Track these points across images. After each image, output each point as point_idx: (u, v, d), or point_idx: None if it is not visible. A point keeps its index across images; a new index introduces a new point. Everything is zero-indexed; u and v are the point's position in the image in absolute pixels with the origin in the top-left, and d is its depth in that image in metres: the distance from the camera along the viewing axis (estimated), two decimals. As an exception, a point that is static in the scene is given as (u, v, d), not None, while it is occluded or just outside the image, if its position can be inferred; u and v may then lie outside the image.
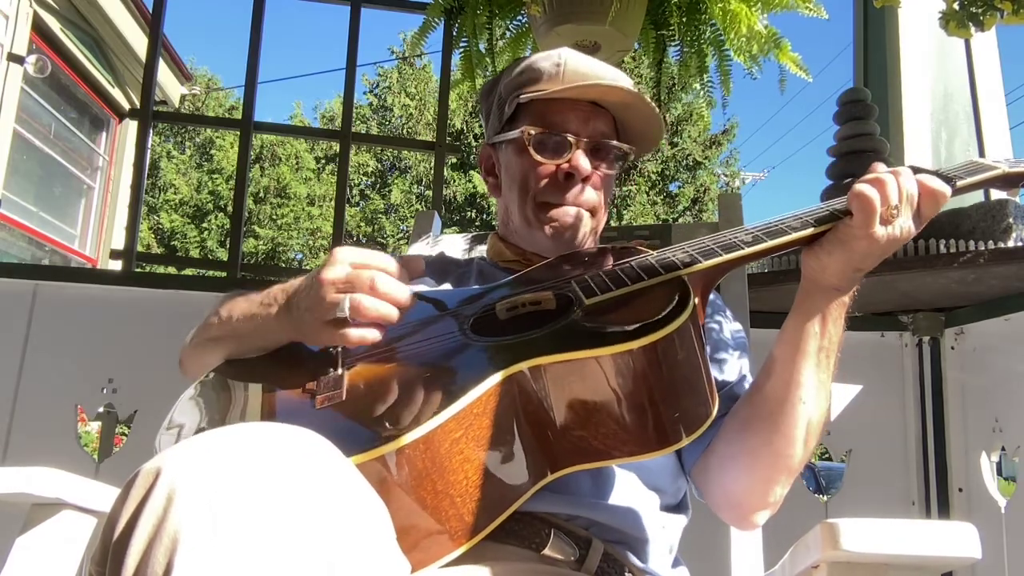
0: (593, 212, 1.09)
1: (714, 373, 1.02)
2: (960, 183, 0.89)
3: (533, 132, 1.06)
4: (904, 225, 0.82)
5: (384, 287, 0.79)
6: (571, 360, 0.75)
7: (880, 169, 0.84)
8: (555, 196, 1.06)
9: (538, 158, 1.06)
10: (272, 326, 0.87)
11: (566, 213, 1.06)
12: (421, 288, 1.10)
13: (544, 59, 1.10)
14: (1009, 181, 0.94)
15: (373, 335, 0.80)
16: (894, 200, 0.81)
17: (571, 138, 1.05)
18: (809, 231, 0.85)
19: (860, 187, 0.81)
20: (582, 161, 1.05)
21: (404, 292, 0.81)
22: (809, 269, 0.86)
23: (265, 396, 0.84)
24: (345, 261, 0.81)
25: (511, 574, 0.81)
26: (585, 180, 1.06)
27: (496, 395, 0.73)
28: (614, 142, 1.08)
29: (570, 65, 1.08)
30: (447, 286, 1.11)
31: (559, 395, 0.75)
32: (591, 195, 1.07)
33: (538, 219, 1.07)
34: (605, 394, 0.75)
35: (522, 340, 0.80)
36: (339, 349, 0.83)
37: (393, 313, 0.80)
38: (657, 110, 1.08)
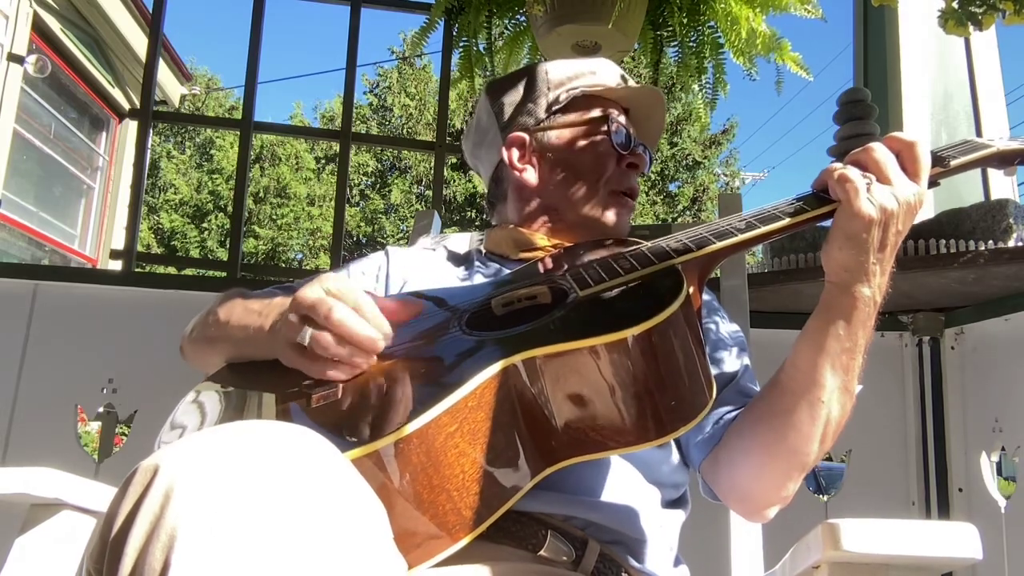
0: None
1: (715, 370, 1.02)
2: (954, 163, 0.88)
3: (613, 125, 1.14)
4: (899, 192, 0.82)
5: (339, 318, 0.76)
6: (565, 351, 0.74)
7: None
8: (623, 185, 1.16)
9: (616, 147, 1.14)
10: (263, 339, 0.86)
11: (628, 201, 1.17)
12: (418, 288, 1.10)
13: (593, 61, 1.21)
14: (1004, 159, 0.94)
15: (337, 374, 0.77)
16: (871, 167, 0.82)
17: (634, 134, 1.17)
18: (802, 216, 0.84)
19: (833, 166, 0.83)
20: (647, 157, 1.18)
21: (365, 331, 0.77)
22: (828, 271, 0.86)
23: (262, 396, 0.84)
24: (321, 283, 0.79)
25: (507, 574, 0.81)
26: (640, 175, 1.19)
27: (490, 388, 0.73)
28: (645, 144, 1.20)
29: (615, 69, 1.20)
30: (445, 284, 1.11)
31: (554, 386, 0.75)
32: (638, 190, 1.20)
33: (605, 204, 1.14)
34: (600, 384, 0.75)
35: (516, 333, 0.80)
36: None
37: (345, 353, 0.76)
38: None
